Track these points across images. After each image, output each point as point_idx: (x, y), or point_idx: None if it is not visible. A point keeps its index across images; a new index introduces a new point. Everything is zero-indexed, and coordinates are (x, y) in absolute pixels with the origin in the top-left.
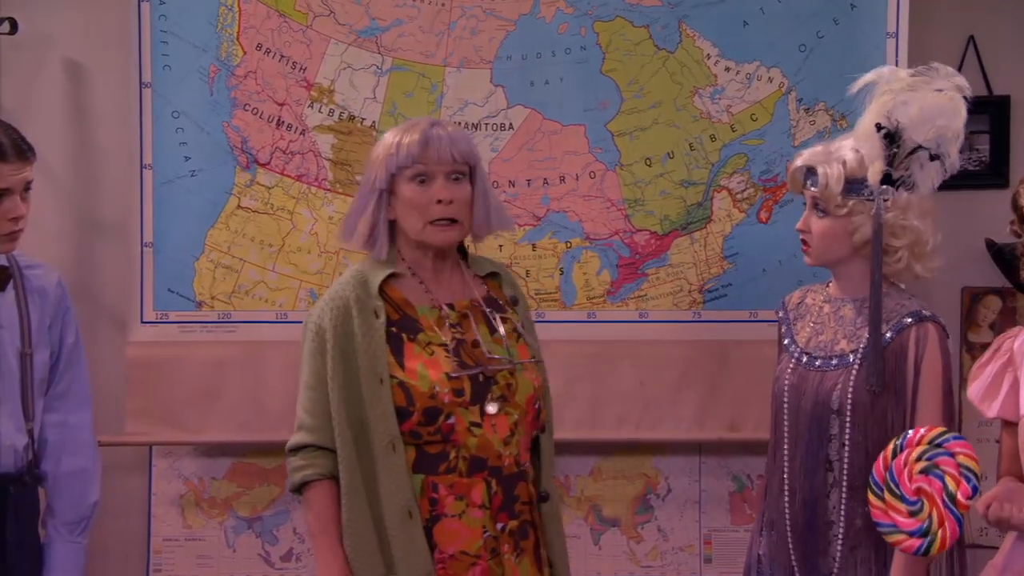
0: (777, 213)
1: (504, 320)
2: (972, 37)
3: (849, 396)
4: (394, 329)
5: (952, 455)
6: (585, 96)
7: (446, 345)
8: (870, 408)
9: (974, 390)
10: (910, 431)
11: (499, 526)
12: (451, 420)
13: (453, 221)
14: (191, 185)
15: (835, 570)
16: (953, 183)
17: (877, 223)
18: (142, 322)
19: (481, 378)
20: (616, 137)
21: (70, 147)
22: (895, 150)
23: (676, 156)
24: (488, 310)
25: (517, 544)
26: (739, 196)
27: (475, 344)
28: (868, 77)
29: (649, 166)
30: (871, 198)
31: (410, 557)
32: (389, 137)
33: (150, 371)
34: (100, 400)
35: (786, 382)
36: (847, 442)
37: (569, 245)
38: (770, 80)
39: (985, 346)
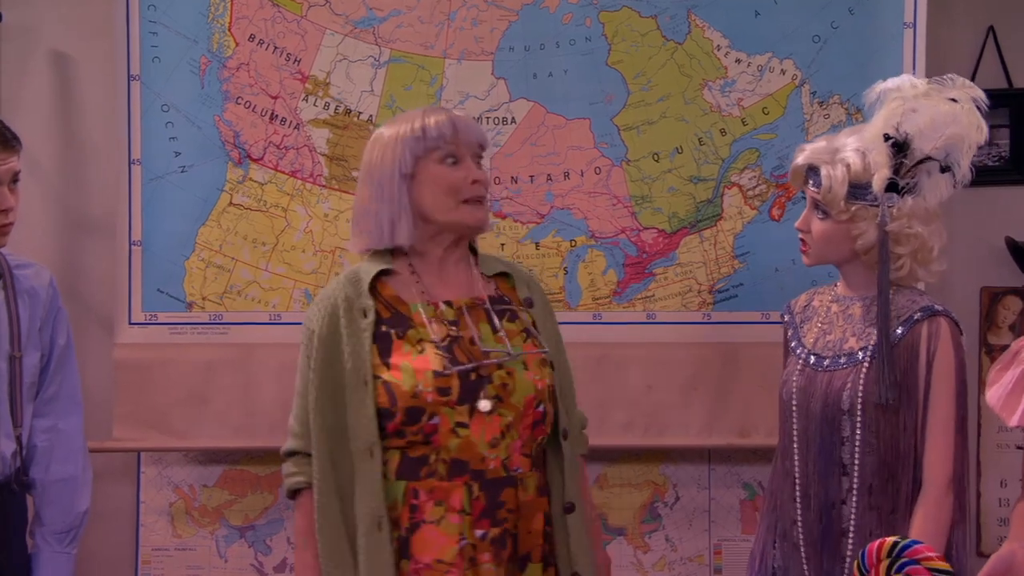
0: (790, 211)
1: (512, 318)
2: (992, 28)
3: (859, 396)
4: (384, 327)
5: (918, 562)
6: (590, 89)
7: (437, 342)
8: (882, 408)
9: (993, 396)
10: (864, 549)
11: (479, 533)
12: (435, 420)
13: (482, 200)
14: (181, 181)
15: None
16: (972, 179)
17: (882, 232)
18: (130, 323)
19: (474, 376)
20: (622, 131)
21: (56, 141)
22: (902, 159)
23: (685, 151)
24: (491, 307)
25: (498, 553)
26: (750, 193)
27: (472, 341)
28: (889, 83)
29: (657, 161)
30: (875, 204)
31: (374, 570)
32: (403, 125)
33: (138, 374)
34: (87, 404)
35: (794, 385)
36: (858, 444)
37: (574, 244)
38: (782, 72)
39: (1005, 348)
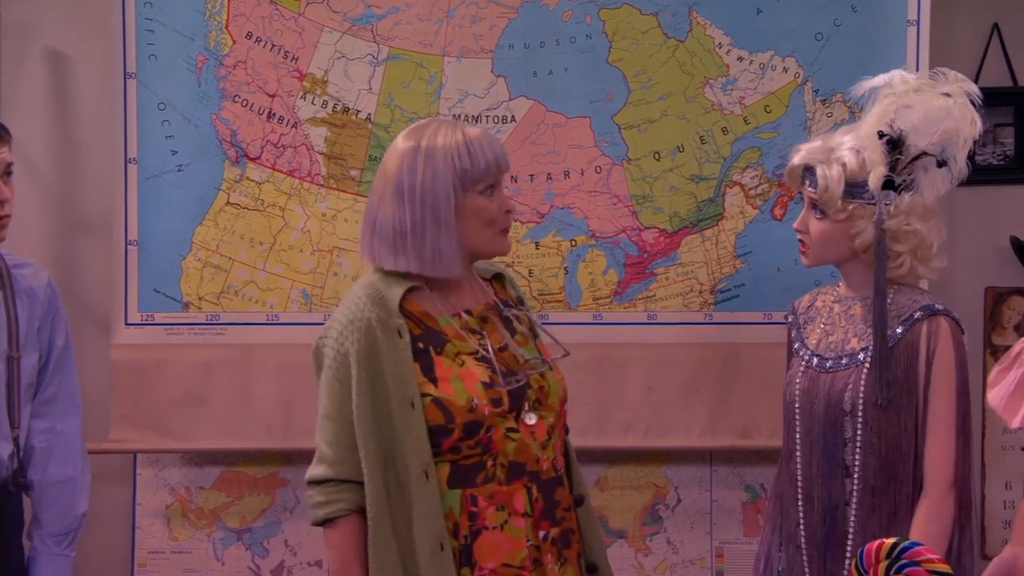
0: (792, 210)
1: (519, 319)
2: (996, 25)
3: (860, 396)
4: (420, 344)
5: (918, 563)
6: (591, 87)
7: (475, 353)
8: (883, 408)
9: (995, 397)
10: (863, 549)
11: (541, 534)
12: (490, 432)
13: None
14: (178, 180)
15: None
16: (976, 178)
17: (879, 230)
18: (126, 324)
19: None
20: (623, 130)
21: (52, 140)
22: (898, 156)
23: (686, 150)
24: (505, 311)
25: (560, 553)
26: (752, 192)
27: (503, 348)
28: (879, 79)
29: (658, 160)
30: (872, 202)
31: None
32: (447, 144)
33: (135, 375)
34: (83, 405)
35: (797, 386)
36: (860, 444)
37: (574, 243)
38: (785, 70)
39: (1010, 349)
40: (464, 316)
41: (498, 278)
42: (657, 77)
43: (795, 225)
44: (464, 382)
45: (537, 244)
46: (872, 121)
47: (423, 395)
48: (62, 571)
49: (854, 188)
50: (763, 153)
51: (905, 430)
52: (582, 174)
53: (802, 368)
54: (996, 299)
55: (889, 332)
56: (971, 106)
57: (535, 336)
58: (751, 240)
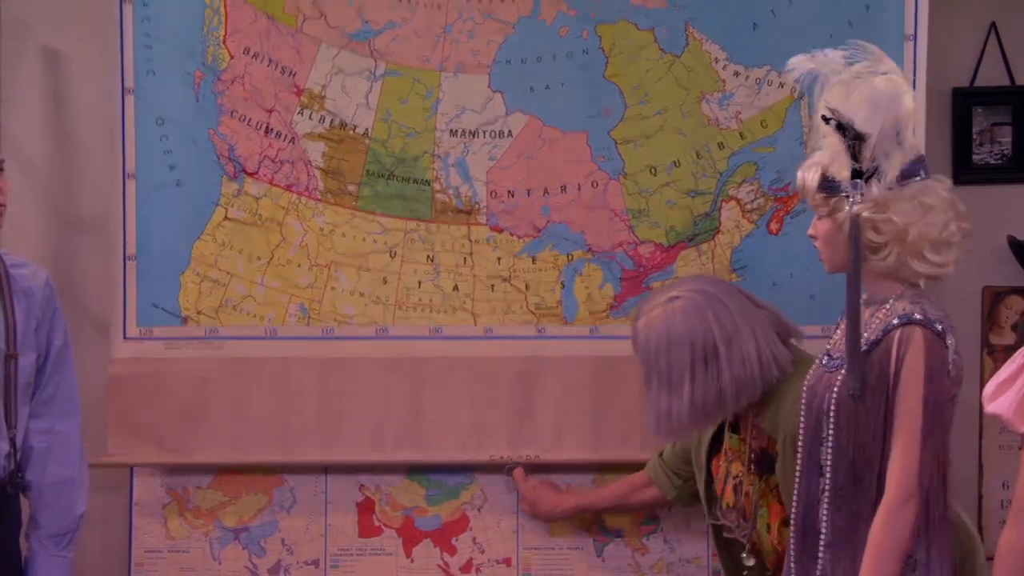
0: (788, 224)
1: None
2: (994, 24)
3: (834, 398)
4: None
5: None
6: (587, 102)
7: None
8: (853, 411)
9: (1002, 404)
10: None
11: None
12: None
13: None
14: (176, 195)
15: None
16: (973, 177)
17: (852, 218)
18: (125, 338)
19: None
20: (619, 145)
21: (51, 142)
22: (854, 142)
23: (682, 165)
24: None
25: None
26: (748, 206)
27: None
28: (807, 64)
29: (654, 175)
30: (848, 195)
31: None
32: None
33: (133, 389)
34: (80, 419)
35: (805, 384)
36: (831, 445)
37: (570, 258)
38: (781, 85)
39: (1008, 348)
40: None
41: None
42: (654, 92)
43: (809, 231)
44: None
45: (534, 258)
46: (819, 113)
47: None
48: (60, 572)
49: (829, 183)
50: (759, 168)
51: (873, 436)
52: (579, 189)
53: (814, 368)
54: (994, 299)
55: (868, 335)
56: (903, 81)
57: None
58: (747, 254)
